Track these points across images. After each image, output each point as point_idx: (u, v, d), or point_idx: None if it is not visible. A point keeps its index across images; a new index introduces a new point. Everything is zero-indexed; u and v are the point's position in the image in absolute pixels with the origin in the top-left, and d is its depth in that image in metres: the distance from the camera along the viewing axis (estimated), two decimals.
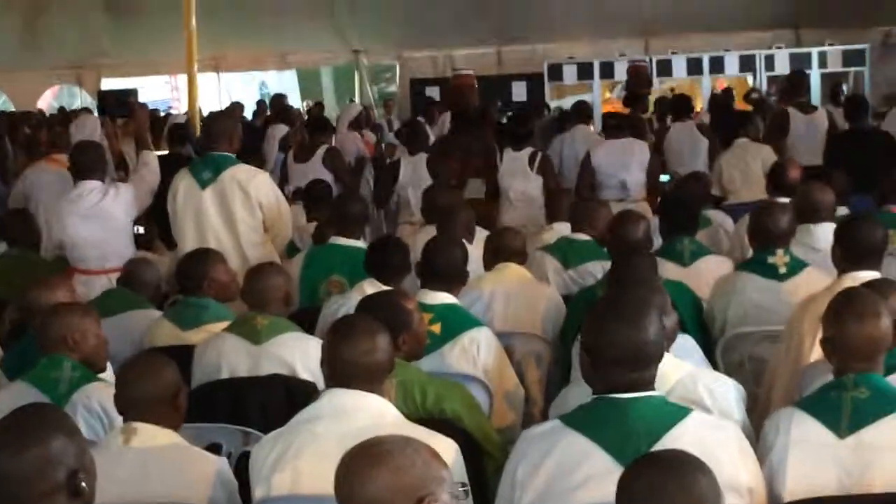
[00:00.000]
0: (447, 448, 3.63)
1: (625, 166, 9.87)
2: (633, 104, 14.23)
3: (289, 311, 5.68)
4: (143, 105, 9.50)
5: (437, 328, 5.26)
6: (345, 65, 23.26)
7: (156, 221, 8.72)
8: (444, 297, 5.44)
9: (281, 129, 14.82)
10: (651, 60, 19.85)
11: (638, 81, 15.76)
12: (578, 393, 4.15)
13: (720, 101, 15.59)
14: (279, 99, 18.96)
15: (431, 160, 10.25)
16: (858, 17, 19.39)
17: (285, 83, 25.73)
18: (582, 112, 13.09)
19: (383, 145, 16.71)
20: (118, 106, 10.35)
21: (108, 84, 22.60)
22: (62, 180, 8.89)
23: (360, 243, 6.94)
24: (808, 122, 11.02)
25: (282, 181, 10.53)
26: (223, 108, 17.43)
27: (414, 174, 10.01)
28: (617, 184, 9.84)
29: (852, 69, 19.56)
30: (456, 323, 5.36)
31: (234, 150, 7.39)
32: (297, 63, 23.88)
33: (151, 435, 3.97)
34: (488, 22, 20.61)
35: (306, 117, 15.75)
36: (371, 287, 5.88)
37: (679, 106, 12.32)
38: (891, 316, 4.02)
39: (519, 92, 20.28)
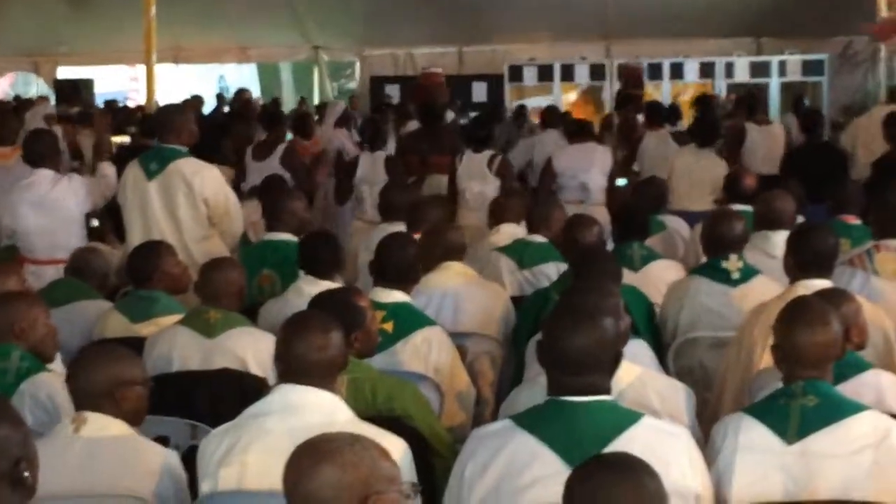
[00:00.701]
0: (396, 447, 3.62)
1: (586, 169, 10.02)
2: (625, 105, 14.26)
3: (241, 307, 5.65)
4: (104, 112, 9.46)
5: (389, 326, 5.25)
6: (305, 60, 23.20)
7: (109, 214, 8.68)
8: (397, 296, 5.43)
9: None
10: (612, 64, 19.98)
11: (631, 82, 15.77)
12: (529, 394, 4.18)
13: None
14: (242, 94, 18.94)
15: (391, 158, 10.27)
16: (818, 27, 19.52)
17: (244, 77, 25.62)
18: (553, 117, 13.15)
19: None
20: (74, 94, 10.35)
21: (64, 73, 22.48)
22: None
23: (290, 237, 6.93)
24: (763, 133, 11.13)
25: (238, 178, 10.49)
26: (182, 100, 17.35)
27: (372, 171, 10.01)
28: (578, 185, 9.96)
29: (811, 79, 19.71)
30: (408, 321, 5.35)
31: (183, 143, 7.35)
32: (256, 57, 23.81)
33: (102, 425, 3.94)
34: (450, 21, 20.62)
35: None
36: (306, 284, 5.94)
37: (653, 113, 12.33)
38: (840, 325, 4.06)
39: (479, 92, 20.35)
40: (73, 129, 13.46)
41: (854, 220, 7.08)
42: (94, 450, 3.89)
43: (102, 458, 3.88)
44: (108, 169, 8.01)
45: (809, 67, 19.81)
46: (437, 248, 6.27)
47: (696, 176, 9.86)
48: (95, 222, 8.64)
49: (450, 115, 14.58)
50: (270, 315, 5.97)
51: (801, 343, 3.93)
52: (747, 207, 7.22)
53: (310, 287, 5.85)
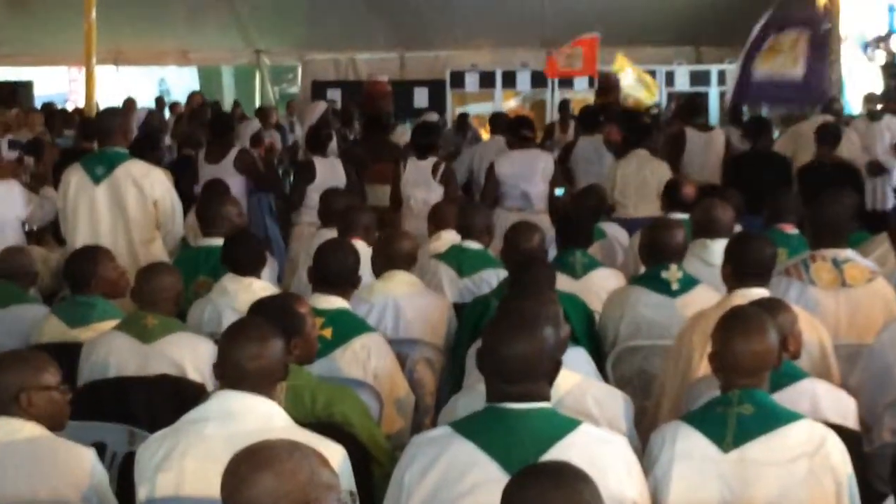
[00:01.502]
0: (335, 454, 3.62)
1: (528, 178, 9.87)
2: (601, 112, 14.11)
3: (177, 312, 5.63)
4: (53, 146, 9.51)
5: (328, 333, 5.23)
6: (246, 64, 23.11)
7: None
8: (336, 302, 5.43)
9: (253, 126, 14.74)
10: None
11: (601, 91, 15.66)
12: (468, 401, 4.20)
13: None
14: (194, 97, 18.84)
15: (347, 165, 10.23)
16: None
17: (185, 80, 25.45)
18: (500, 123, 13.03)
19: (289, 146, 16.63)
20: (12, 96, 10.30)
21: (3, 74, 22.27)
22: None
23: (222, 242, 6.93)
24: (704, 142, 11.16)
25: (192, 180, 10.38)
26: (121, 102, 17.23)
27: (331, 177, 9.93)
28: (520, 194, 9.84)
29: None
30: (347, 328, 5.35)
31: (124, 145, 7.34)
32: (197, 60, 23.66)
33: (13, 429, 3.91)
34: (391, 27, 20.62)
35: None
36: (230, 282, 6.04)
37: (586, 119, 12.31)
38: (777, 334, 4.09)
39: (421, 98, 20.32)
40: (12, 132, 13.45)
41: (791, 230, 7.13)
42: (7, 454, 3.86)
43: (18, 462, 3.85)
44: (50, 192, 7.99)
45: None
46: (382, 257, 6.30)
47: (641, 182, 9.86)
48: (34, 227, 8.61)
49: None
50: (196, 315, 6.03)
51: (738, 352, 3.96)
52: (686, 216, 7.26)
53: (232, 285, 5.98)
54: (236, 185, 9.75)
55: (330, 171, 9.99)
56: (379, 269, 6.35)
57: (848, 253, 6.08)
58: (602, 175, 10.59)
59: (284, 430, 3.70)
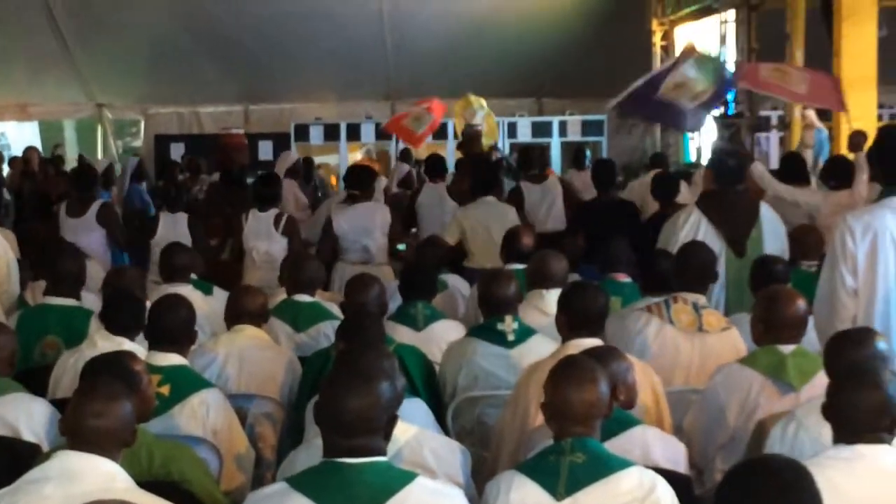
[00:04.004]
0: None
1: (367, 231, 9.83)
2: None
3: (12, 372, 5.53)
4: None
5: (165, 390, 5.19)
6: (88, 118, 22.83)
7: None
8: (172, 359, 5.38)
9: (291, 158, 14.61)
10: None
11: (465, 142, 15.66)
12: (307, 455, 4.20)
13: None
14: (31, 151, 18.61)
15: (193, 219, 10.15)
16: (597, 88, 20.04)
17: (26, 135, 24.99)
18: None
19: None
20: None
21: None
22: None
23: (74, 302, 6.88)
24: (541, 191, 11.33)
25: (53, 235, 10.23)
26: None
27: (172, 232, 9.85)
28: (360, 248, 9.84)
29: (591, 139, 20.20)
30: (185, 384, 5.30)
31: None
32: (38, 115, 23.28)
33: None
34: (235, 80, 20.58)
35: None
36: (102, 338, 5.88)
37: (432, 167, 12.35)
38: (608, 383, 4.17)
39: (265, 151, 20.28)
40: None
41: (625, 278, 7.27)
42: None
43: None
44: None
45: (589, 128, 20.32)
46: (232, 311, 6.37)
47: (486, 232, 9.88)
48: None
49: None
50: (62, 364, 5.99)
51: (569, 400, 4.02)
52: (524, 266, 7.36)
53: (103, 342, 5.80)
54: (98, 238, 9.70)
55: (171, 228, 9.93)
56: (230, 322, 6.37)
57: (706, 300, 6.27)
58: (444, 221, 10.67)
59: (125, 491, 3.66)
